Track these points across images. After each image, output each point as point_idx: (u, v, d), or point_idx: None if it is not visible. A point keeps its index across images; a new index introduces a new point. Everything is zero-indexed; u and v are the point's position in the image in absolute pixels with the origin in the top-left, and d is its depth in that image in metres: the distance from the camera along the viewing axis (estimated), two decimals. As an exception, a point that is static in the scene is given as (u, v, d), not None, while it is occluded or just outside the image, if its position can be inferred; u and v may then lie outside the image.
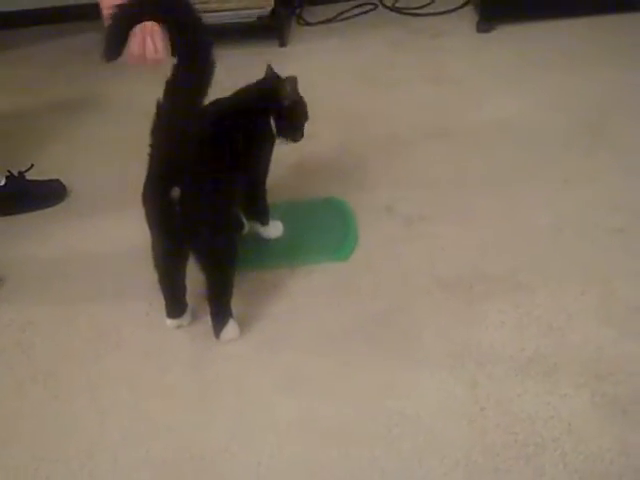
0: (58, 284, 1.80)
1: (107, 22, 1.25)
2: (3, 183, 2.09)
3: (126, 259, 1.79)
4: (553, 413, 1.32)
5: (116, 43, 1.25)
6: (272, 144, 1.68)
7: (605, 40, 2.72)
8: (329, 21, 3.23)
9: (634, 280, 1.60)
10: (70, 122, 2.55)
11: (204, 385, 1.47)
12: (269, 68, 1.69)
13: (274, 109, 1.64)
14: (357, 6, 3.30)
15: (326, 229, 1.87)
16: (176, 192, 1.36)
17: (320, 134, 2.25)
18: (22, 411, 1.47)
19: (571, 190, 1.92)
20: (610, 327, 1.49)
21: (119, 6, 1.22)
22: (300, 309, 1.63)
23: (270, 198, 1.78)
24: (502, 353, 1.45)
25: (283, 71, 1.69)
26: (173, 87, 1.33)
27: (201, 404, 1.44)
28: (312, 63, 2.80)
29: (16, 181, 2.10)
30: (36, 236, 1.98)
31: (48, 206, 2.10)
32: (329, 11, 3.27)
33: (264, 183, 1.74)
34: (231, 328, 1.55)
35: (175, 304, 1.59)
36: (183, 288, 1.58)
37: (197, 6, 1.29)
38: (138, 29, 1.39)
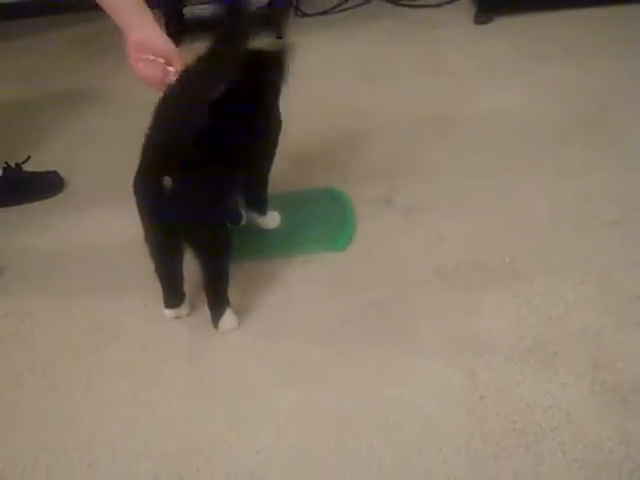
0: (57, 275, 1.79)
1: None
2: (0, 174, 2.09)
3: (124, 251, 1.78)
4: (552, 402, 1.32)
5: None
6: (278, 129, 1.66)
7: (604, 32, 2.72)
8: (326, 12, 3.23)
9: (632, 270, 1.60)
10: (69, 114, 2.54)
11: (202, 376, 1.47)
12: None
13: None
14: (355, -3, 3.29)
15: (323, 219, 1.87)
16: (167, 182, 1.32)
17: (318, 125, 2.25)
18: (20, 401, 1.47)
19: (569, 182, 1.92)
20: (609, 316, 1.49)
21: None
22: (297, 299, 1.63)
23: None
24: (501, 342, 1.45)
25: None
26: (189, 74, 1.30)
27: (200, 395, 1.44)
28: (310, 55, 2.79)
29: (13, 172, 2.10)
30: (34, 228, 1.97)
31: (46, 197, 2.10)
32: (327, 2, 3.25)
33: (268, 172, 1.72)
34: (229, 318, 1.54)
35: (173, 294, 1.58)
36: (180, 277, 1.56)
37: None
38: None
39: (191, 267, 1.52)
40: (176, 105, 1.32)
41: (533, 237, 1.74)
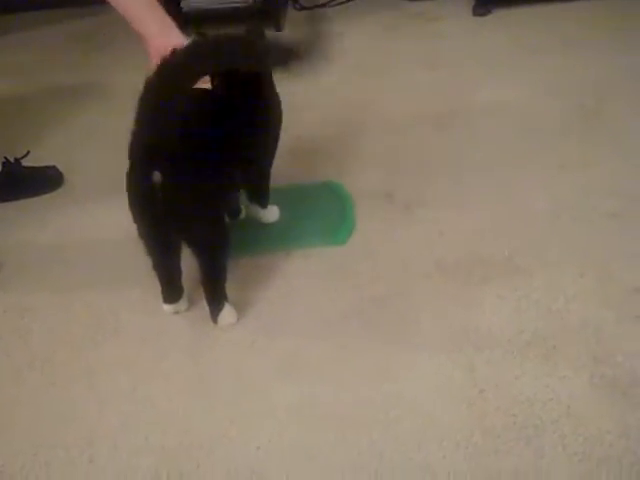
0: (56, 270, 1.79)
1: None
2: (-1, 169, 2.09)
3: (124, 246, 1.77)
4: (552, 395, 1.32)
5: None
6: (279, 124, 1.65)
7: (602, 24, 2.72)
8: (325, 5, 3.22)
9: (632, 263, 1.60)
10: (69, 109, 2.54)
11: (202, 371, 1.47)
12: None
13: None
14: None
15: (323, 213, 1.86)
16: (157, 177, 1.29)
17: (317, 119, 2.25)
18: (20, 397, 1.46)
19: (567, 175, 1.92)
20: (608, 309, 1.49)
21: None
22: (297, 293, 1.63)
23: (267, 183, 1.78)
24: (500, 336, 1.45)
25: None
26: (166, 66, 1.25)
27: (199, 390, 1.43)
28: (308, 48, 2.78)
29: (12, 167, 2.10)
30: (33, 223, 1.97)
31: (44, 192, 2.10)
32: (325, -5, 3.25)
33: (270, 166, 1.71)
34: (228, 312, 1.54)
35: (171, 289, 1.58)
36: (178, 273, 1.56)
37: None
38: None
39: (189, 262, 1.52)
40: (155, 98, 1.27)
41: (532, 230, 1.74)
